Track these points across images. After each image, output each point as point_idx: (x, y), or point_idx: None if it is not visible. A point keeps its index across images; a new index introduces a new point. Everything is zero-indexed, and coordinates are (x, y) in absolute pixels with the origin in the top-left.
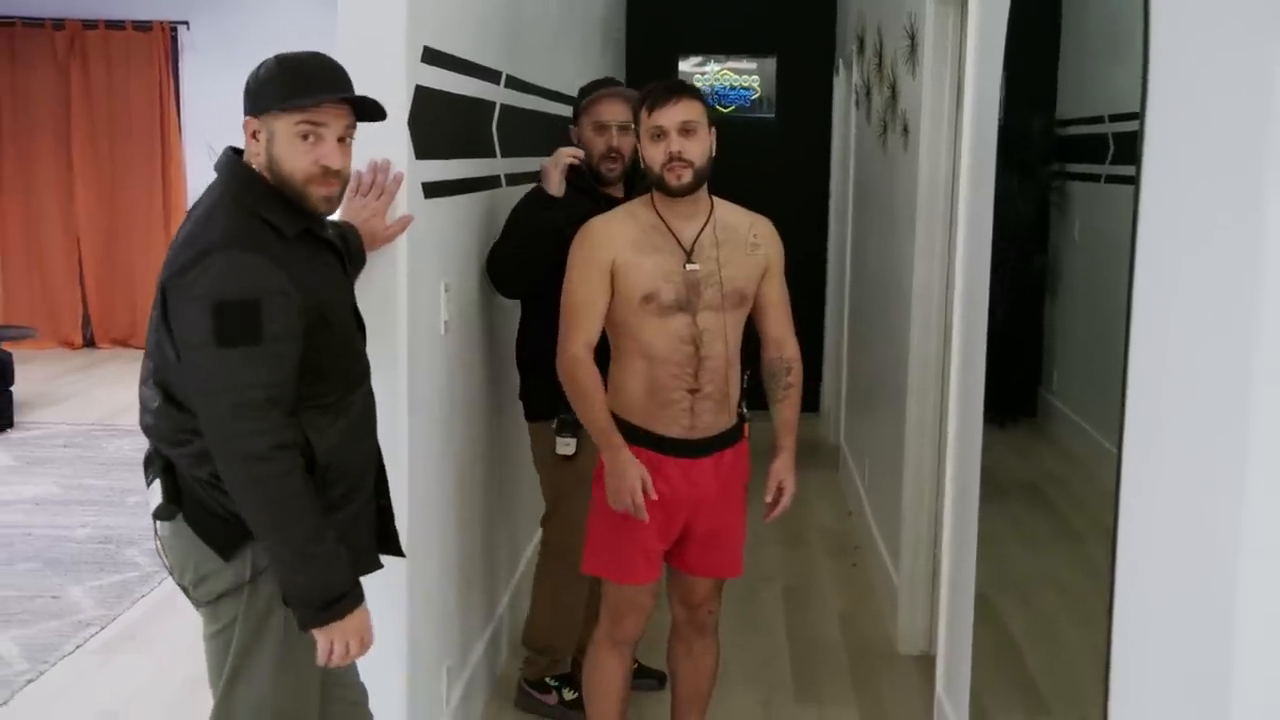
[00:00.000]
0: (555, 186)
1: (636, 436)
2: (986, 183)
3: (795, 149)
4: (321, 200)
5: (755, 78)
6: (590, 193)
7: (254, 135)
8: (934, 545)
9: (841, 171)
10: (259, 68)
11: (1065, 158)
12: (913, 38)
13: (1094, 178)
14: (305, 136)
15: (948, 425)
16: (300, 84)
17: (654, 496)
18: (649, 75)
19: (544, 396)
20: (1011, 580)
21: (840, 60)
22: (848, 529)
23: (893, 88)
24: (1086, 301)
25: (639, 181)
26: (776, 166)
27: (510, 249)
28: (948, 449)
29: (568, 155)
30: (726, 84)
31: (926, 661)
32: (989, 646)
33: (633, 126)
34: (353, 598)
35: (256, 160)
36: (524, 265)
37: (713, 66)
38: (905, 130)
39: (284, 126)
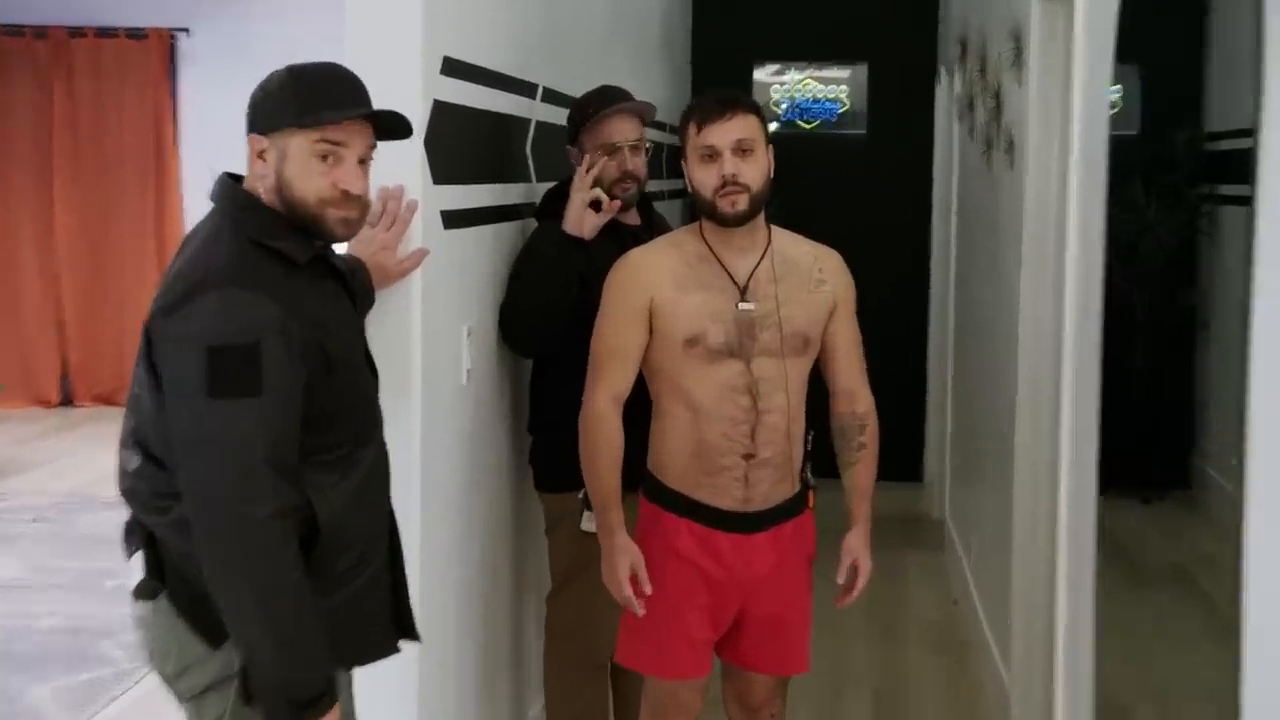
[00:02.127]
0: (588, 230)
1: (680, 506)
2: (1096, 206)
3: (891, 171)
4: (339, 224)
5: (844, 88)
6: (608, 225)
7: (260, 155)
8: (1051, 640)
9: (944, 197)
10: (268, 79)
11: (1215, 177)
12: (1018, 41)
13: (1251, 200)
14: (324, 157)
15: (1060, 496)
16: (319, 98)
17: (647, 590)
18: (717, 85)
19: (564, 463)
20: (1155, 686)
21: (942, 67)
22: (953, 620)
23: (997, 98)
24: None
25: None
26: (869, 192)
27: (531, 301)
28: (1059, 524)
29: (590, 194)
30: (809, 96)
31: None
32: None
33: (645, 143)
34: (330, 697)
35: (263, 183)
36: (547, 320)
37: (793, 76)
38: (1010, 147)
39: (299, 145)
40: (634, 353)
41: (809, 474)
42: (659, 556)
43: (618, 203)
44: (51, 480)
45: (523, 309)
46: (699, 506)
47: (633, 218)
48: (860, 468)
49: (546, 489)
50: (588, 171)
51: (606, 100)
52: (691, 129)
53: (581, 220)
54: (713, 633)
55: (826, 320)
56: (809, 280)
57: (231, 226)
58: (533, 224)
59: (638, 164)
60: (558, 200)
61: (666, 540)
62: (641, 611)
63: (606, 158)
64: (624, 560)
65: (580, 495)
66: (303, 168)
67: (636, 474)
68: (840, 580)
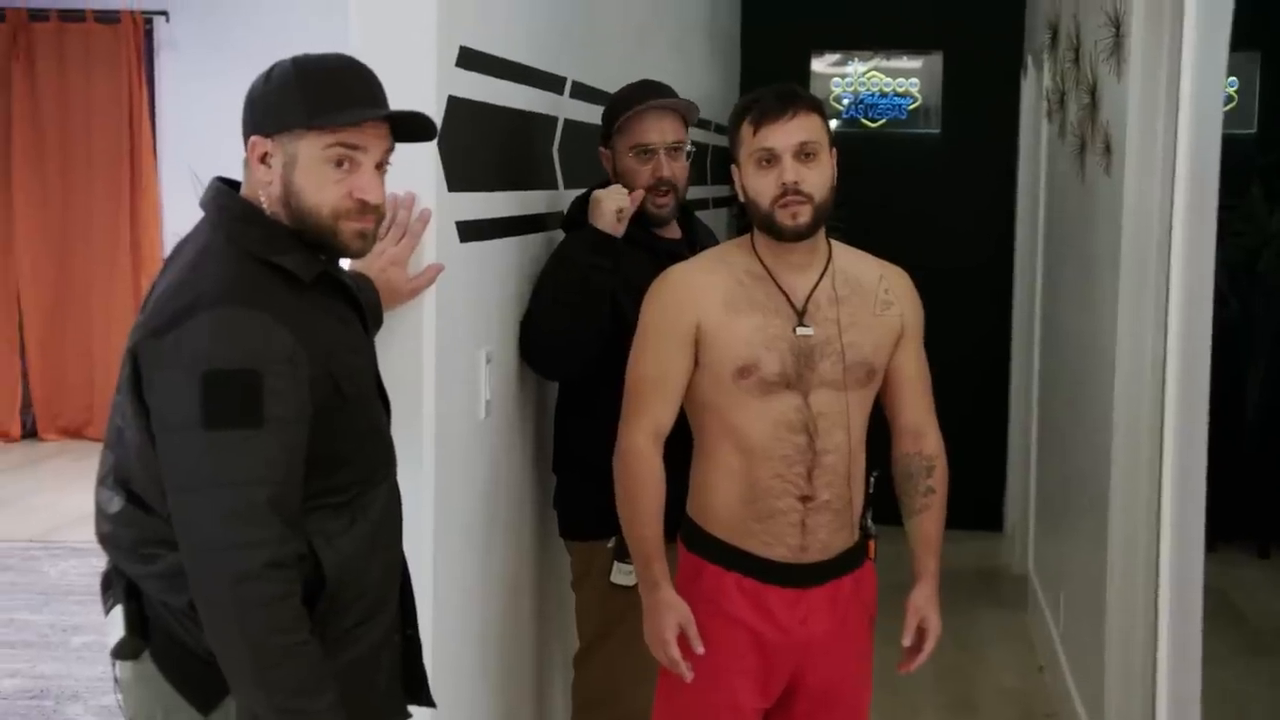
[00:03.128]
0: (611, 223)
1: (727, 557)
2: (1206, 216)
3: (969, 176)
4: (355, 238)
5: (915, 81)
6: (641, 240)
7: (263, 159)
8: (1151, 714)
9: (1030, 207)
10: (271, 72)
11: None
12: (1117, 26)
13: None
14: (339, 162)
15: (1162, 548)
16: (332, 95)
17: (698, 650)
18: (771, 78)
19: (592, 507)
20: None
21: (1028, 57)
22: (1037, 690)
23: (1092, 93)
24: None
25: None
26: (943, 200)
27: (559, 316)
28: (1161, 580)
29: (621, 197)
30: (876, 90)
31: None
32: None
33: (685, 146)
34: None
35: (267, 191)
36: (575, 338)
37: (857, 67)
38: (1107, 149)
39: (310, 149)
40: (677, 383)
41: (870, 521)
42: (702, 614)
43: (639, 193)
44: (13, 523)
45: (548, 324)
46: (748, 557)
47: (672, 230)
48: (927, 515)
49: (573, 536)
50: (618, 211)
51: (642, 95)
52: (746, 130)
53: (615, 220)
54: (762, 701)
55: (893, 348)
56: (874, 302)
57: (226, 239)
58: (559, 236)
59: (676, 169)
60: (588, 209)
61: (710, 596)
62: (690, 675)
63: (640, 167)
64: (670, 617)
65: (611, 544)
66: (315, 175)
67: (674, 520)
68: (906, 643)
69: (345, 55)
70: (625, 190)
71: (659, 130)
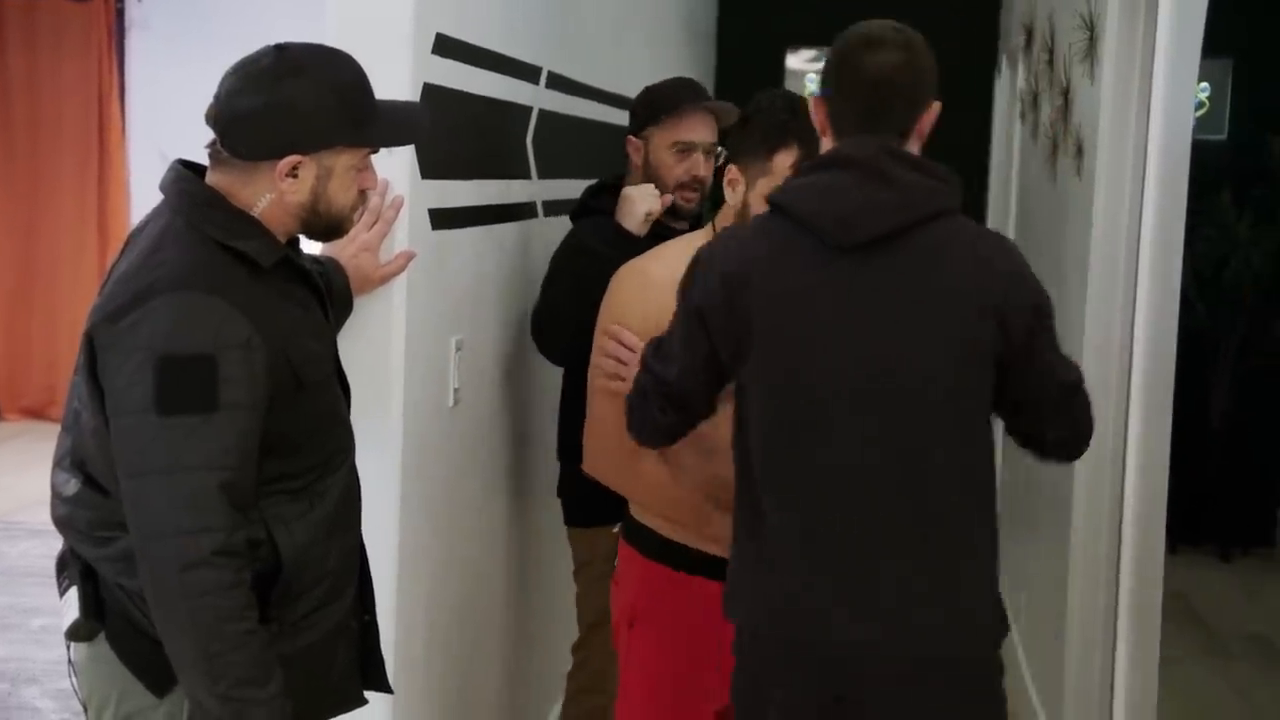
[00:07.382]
0: (638, 224)
1: (689, 562)
2: (1174, 221)
3: None
4: (352, 224)
5: None
6: (658, 234)
7: (292, 172)
8: (1109, 716)
9: (1001, 208)
10: (292, 90)
11: None
12: (1091, 29)
13: None
14: (364, 168)
15: (1124, 552)
16: (368, 109)
17: None
18: (745, 73)
19: (595, 493)
20: None
21: (1003, 57)
22: None
23: (1065, 95)
24: None
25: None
26: None
27: (575, 305)
28: (1122, 583)
29: (654, 200)
30: None
31: None
32: None
33: (717, 149)
34: None
35: (288, 199)
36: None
37: None
38: (1079, 152)
39: (348, 161)
40: None
41: None
42: (691, 630)
43: (669, 198)
44: None
45: (565, 312)
46: (713, 560)
47: (683, 226)
48: None
49: (578, 524)
50: (648, 214)
51: (692, 95)
52: (766, 152)
53: (643, 221)
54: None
55: None
56: None
57: (186, 223)
58: (539, 224)
59: (708, 171)
60: (602, 198)
61: (709, 608)
62: None
63: (677, 163)
64: None
65: (616, 530)
66: (346, 182)
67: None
68: None
69: (337, 51)
70: (657, 193)
71: (702, 131)
